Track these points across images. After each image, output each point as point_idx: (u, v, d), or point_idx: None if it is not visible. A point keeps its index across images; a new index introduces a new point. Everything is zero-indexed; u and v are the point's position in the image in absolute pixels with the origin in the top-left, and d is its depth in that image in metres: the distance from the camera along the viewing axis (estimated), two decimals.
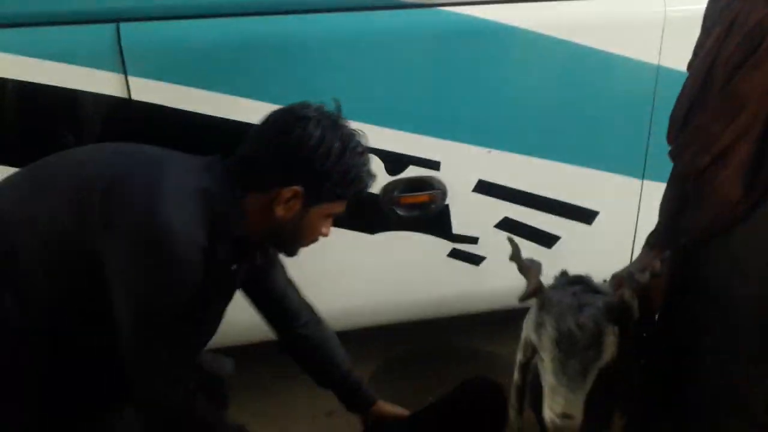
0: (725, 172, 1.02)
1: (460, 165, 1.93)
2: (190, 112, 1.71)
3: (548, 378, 1.16)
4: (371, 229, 1.94)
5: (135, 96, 1.68)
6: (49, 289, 1.08)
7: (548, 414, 1.14)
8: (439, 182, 1.93)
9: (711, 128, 1.03)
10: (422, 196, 1.93)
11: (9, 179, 1.19)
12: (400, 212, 1.93)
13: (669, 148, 1.20)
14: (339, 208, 1.21)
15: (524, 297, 1.24)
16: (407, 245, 2.00)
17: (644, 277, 1.14)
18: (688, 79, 1.14)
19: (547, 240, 2.13)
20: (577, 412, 1.11)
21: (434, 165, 1.91)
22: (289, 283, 1.50)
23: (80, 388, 1.15)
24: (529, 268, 1.25)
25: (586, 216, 2.11)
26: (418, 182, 1.92)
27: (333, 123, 1.14)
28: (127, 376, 1.09)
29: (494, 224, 2.07)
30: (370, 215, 1.91)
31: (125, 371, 1.08)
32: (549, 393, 1.15)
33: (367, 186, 1.21)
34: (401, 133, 1.84)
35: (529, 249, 2.04)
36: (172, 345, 1.09)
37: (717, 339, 1.10)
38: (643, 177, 2.07)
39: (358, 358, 1.69)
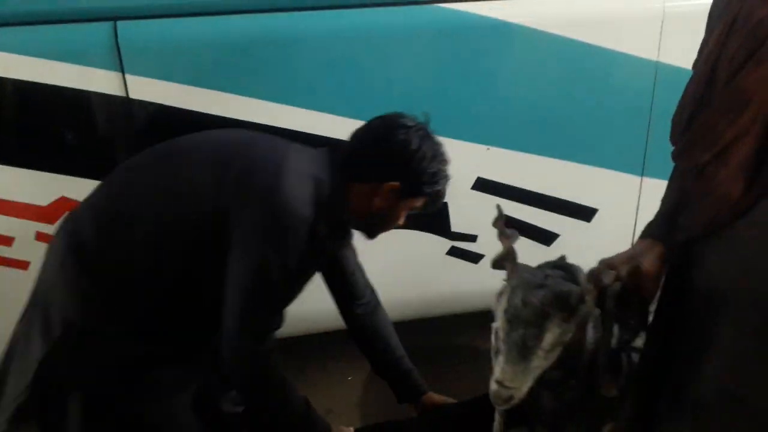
0: (725, 170, 1.01)
1: (458, 162, 1.91)
2: (188, 110, 1.72)
3: (496, 345, 1.21)
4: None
5: (133, 95, 1.68)
6: (176, 241, 1.26)
7: (491, 379, 1.19)
8: None
9: (715, 126, 1.02)
10: None
11: (143, 155, 1.38)
12: None
13: (671, 149, 1.19)
14: (419, 203, 1.41)
15: (495, 261, 1.30)
16: (405, 243, 1.99)
17: (608, 278, 1.14)
18: (691, 78, 1.13)
19: (546, 237, 2.12)
20: (515, 384, 1.15)
21: None
22: (358, 266, 1.65)
23: (173, 332, 1.32)
24: (507, 237, 1.29)
25: (585, 213, 2.11)
26: None
27: (426, 132, 1.37)
28: (219, 329, 1.24)
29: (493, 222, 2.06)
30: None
31: (220, 324, 1.23)
32: (494, 359, 1.20)
33: (445, 187, 1.43)
34: None
35: (528, 247, 2.05)
36: (272, 304, 1.26)
37: (721, 337, 1.09)
38: (642, 174, 2.07)
39: (357, 357, 1.74)
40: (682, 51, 1.36)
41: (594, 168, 2.03)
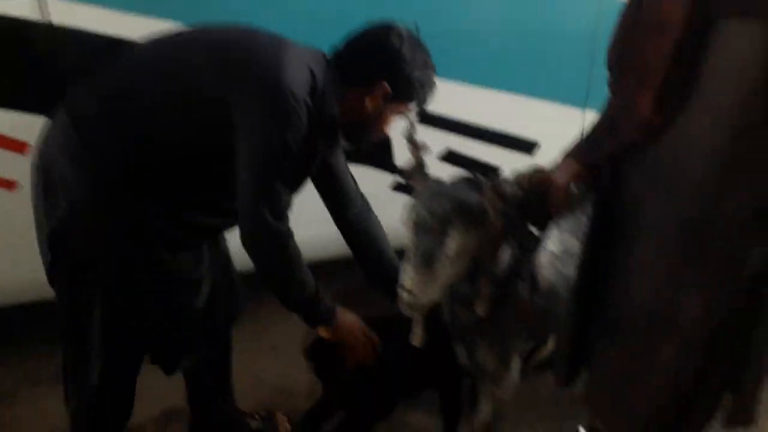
0: (646, 94, 1.02)
1: None
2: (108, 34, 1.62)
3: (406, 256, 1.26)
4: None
5: (54, 19, 1.56)
6: (178, 114, 1.29)
7: (398, 288, 1.24)
8: None
9: (642, 50, 1.02)
10: None
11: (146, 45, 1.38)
12: None
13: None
14: (407, 108, 1.45)
15: (405, 173, 1.38)
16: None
17: (510, 188, 1.18)
18: (624, 4, 1.12)
19: (487, 171, 2.12)
20: (419, 292, 1.18)
21: None
22: (348, 172, 1.67)
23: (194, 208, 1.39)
24: (417, 149, 1.36)
25: (526, 146, 2.11)
26: None
27: (417, 40, 1.41)
28: (236, 207, 1.30)
29: (438, 156, 2.05)
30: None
31: (236, 201, 1.30)
32: (402, 270, 1.25)
33: (432, 95, 1.47)
34: None
35: None
36: (282, 177, 1.29)
37: (644, 259, 1.13)
38: (585, 106, 2.07)
39: None
40: None
41: (535, 100, 2.02)
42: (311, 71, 1.32)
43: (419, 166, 1.34)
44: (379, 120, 1.45)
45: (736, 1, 0.94)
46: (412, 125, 1.39)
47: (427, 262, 1.18)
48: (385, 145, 1.94)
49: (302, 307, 1.44)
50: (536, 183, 1.19)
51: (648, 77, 1.02)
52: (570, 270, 1.35)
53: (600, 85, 1.99)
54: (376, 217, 1.70)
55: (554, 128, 2.10)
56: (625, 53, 1.09)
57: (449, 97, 1.94)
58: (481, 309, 1.27)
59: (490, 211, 1.18)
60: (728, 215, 1.01)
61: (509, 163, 2.11)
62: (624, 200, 1.16)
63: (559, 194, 1.19)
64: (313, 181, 1.61)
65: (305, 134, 1.29)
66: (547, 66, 2.00)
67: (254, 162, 1.27)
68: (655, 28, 1.00)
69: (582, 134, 1.22)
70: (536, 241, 1.35)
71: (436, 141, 2.02)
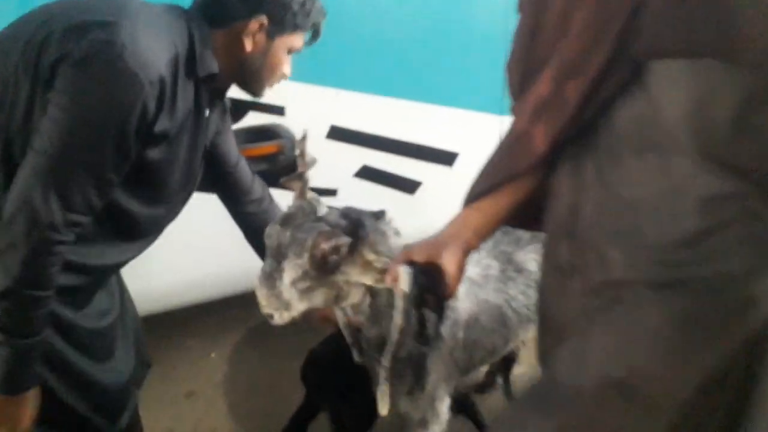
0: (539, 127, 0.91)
1: (308, 109, 1.75)
2: None
3: None
4: (206, 187, 1.71)
5: None
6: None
7: None
8: (286, 130, 1.76)
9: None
10: (268, 147, 1.76)
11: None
12: None
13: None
14: (298, 42, 1.31)
15: (284, 180, 1.29)
16: None
17: (327, 244, 1.12)
18: (520, 19, 0.99)
19: (410, 186, 2.03)
20: (270, 307, 1.16)
21: (278, 110, 1.74)
22: (241, 157, 1.51)
23: None
24: (305, 162, 1.27)
25: (446, 158, 2.04)
26: (261, 131, 1.74)
27: None
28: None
29: (353, 173, 1.95)
30: (206, 171, 1.69)
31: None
32: None
33: (321, 20, 1.32)
34: None
35: (392, 197, 1.93)
36: (84, 177, 1.06)
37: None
38: (502, 112, 2.01)
39: (219, 331, 1.54)
40: None
41: (452, 109, 1.97)
42: (168, 26, 1.14)
43: (301, 179, 1.25)
44: (268, 61, 1.29)
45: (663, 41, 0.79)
46: (304, 135, 1.27)
47: (269, 281, 1.15)
48: (294, 165, 1.79)
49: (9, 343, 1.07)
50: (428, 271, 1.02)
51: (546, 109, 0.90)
52: (490, 294, 1.23)
53: None
54: (279, 207, 1.53)
55: (473, 137, 2.05)
56: (527, 76, 0.96)
57: (362, 110, 1.86)
58: (386, 360, 1.12)
59: (318, 255, 1.12)
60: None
61: (429, 176, 2.02)
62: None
63: (451, 280, 1.00)
64: (208, 174, 1.43)
65: (137, 109, 1.05)
66: (460, 73, 1.95)
67: (48, 142, 1.03)
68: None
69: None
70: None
71: (351, 157, 1.92)
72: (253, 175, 1.52)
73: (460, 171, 2.05)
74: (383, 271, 1.10)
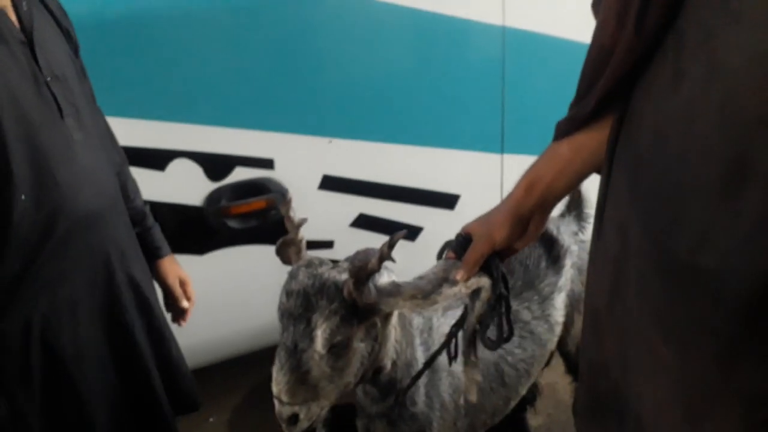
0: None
1: (298, 160, 1.67)
2: None
3: None
4: (199, 249, 1.62)
5: None
6: None
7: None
8: (276, 183, 1.68)
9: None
10: (257, 203, 1.67)
11: None
12: (232, 224, 1.66)
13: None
14: None
15: (277, 248, 1.10)
16: (247, 262, 1.73)
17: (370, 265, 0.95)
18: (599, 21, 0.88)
19: (411, 233, 1.93)
20: (295, 400, 0.95)
21: (266, 163, 1.65)
22: None
23: None
24: (292, 221, 1.09)
25: (447, 201, 1.96)
26: (249, 186, 1.65)
27: None
28: None
29: (349, 223, 1.86)
30: (196, 232, 1.61)
31: None
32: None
33: None
34: (219, 129, 1.56)
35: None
36: None
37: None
38: (502, 151, 1.94)
39: (219, 393, 1.38)
40: (528, 13, 1.19)
41: (450, 150, 1.88)
42: None
43: (294, 241, 1.10)
44: None
45: None
46: (286, 193, 1.13)
47: (296, 359, 0.95)
48: None
49: None
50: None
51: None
52: (485, 350, 1.08)
53: (514, 127, 1.89)
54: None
55: (474, 178, 1.97)
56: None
57: (355, 157, 1.78)
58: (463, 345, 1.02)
59: (352, 290, 0.95)
60: None
61: (431, 221, 1.93)
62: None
63: (472, 256, 0.92)
64: None
65: None
66: (456, 113, 1.87)
67: None
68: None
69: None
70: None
71: (346, 206, 1.83)
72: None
73: (462, 213, 1.95)
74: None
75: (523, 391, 1.46)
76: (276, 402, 0.97)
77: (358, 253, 0.95)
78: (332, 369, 0.97)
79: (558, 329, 1.50)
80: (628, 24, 0.68)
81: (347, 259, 1.06)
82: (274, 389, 0.96)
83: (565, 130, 0.85)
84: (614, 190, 0.75)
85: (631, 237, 0.70)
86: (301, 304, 0.96)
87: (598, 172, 0.85)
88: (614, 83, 0.73)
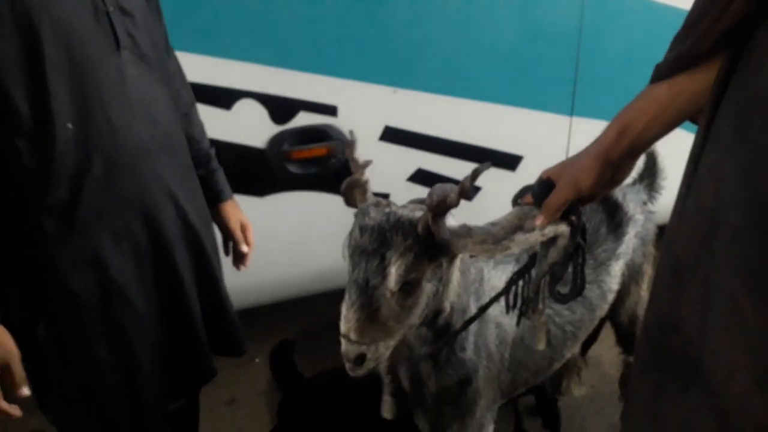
0: None
1: (361, 109, 1.65)
2: None
3: None
4: (260, 191, 1.63)
5: None
6: None
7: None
8: (338, 131, 1.67)
9: None
10: (318, 149, 1.67)
11: None
12: (292, 169, 1.66)
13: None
14: None
15: (343, 190, 1.07)
16: (305, 207, 1.74)
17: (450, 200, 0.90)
18: None
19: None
20: (364, 339, 0.93)
21: (330, 110, 1.64)
22: None
23: None
24: (359, 165, 1.06)
25: (509, 162, 1.91)
26: (311, 132, 1.65)
27: None
28: None
29: (407, 177, 1.85)
30: (257, 174, 1.62)
31: None
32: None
33: None
34: (286, 71, 1.55)
35: None
36: None
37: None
38: (572, 113, 1.87)
39: (265, 335, 1.44)
40: None
41: (517, 109, 1.83)
42: None
43: (359, 182, 1.07)
44: None
45: None
46: (352, 136, 1.11)
47: (367, 296, 0.93)
48: (346, 168, 1.71)
49: None
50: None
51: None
52: None
53: (587, 89, 1.82)
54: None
55: (538, 139, 1.91)
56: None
57: (417, 110, 1.75)
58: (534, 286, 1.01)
59: (429, 224, 0.91)
60: None
61: (490, 181, 1.88)
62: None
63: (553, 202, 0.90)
64: None
65: None
66: (527, 71, 1.81)
67: None
68: None
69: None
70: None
71: (405, 160, 1.81)
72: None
73: (523, 176, 1.91)
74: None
75: (568, 354, 1.44)
76: (343, 341, 0.95)
77: (435, 188, 0.91)
78: (401, 308, 0.96)
79: (610, 297, 1.47)
80: None
81: (412, 201, 1.05)
82: (343, 327, 0.94)
83: (667, 70, 0.80)
84: (715, 136, 0.71)
85: (728, 185, 0.67)
86: (375, 239, 0.94)
87: (693, 120, 0.81)
88: (738, 19, 0.69)
